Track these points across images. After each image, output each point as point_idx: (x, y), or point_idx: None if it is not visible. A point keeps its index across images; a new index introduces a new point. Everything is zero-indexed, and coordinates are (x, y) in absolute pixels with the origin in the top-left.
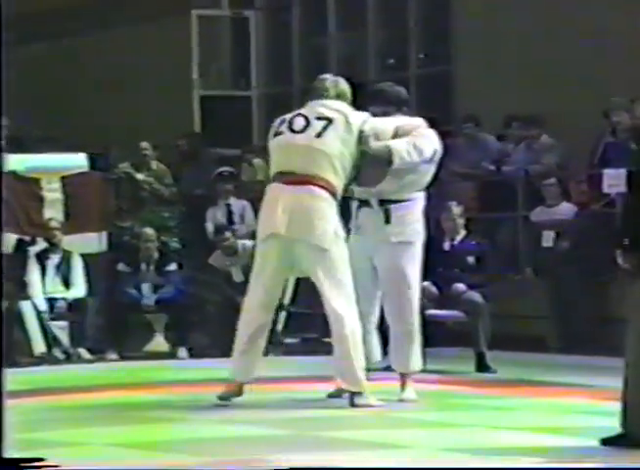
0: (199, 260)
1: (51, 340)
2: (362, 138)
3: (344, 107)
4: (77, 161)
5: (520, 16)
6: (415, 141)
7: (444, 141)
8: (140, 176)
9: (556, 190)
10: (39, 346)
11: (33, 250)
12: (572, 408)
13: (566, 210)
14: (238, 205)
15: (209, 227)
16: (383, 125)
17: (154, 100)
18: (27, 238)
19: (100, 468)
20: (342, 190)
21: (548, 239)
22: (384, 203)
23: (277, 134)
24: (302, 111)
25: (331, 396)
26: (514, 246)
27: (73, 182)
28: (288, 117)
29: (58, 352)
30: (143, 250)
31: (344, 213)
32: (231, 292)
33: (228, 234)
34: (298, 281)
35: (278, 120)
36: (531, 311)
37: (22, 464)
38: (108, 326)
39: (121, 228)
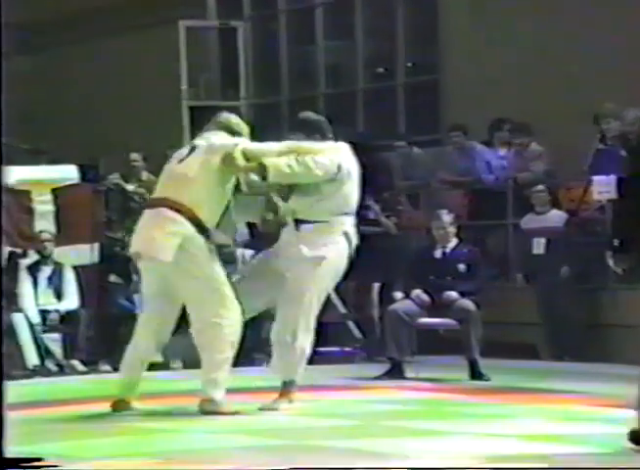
0: None
1: (44, 352)
2: (227, 159)
3: (218, 135)
4: (68, 172)
5: (508, 24)
6: (301, 157)
7: (432, 149)
8: (130, 187)
9: (545, 197)
10: (32, 358)
11: (25, 262)
12: (567, 415)
13: (555, 217)
14: None
15: None
16: (261, 147)
17: (143, 111)
18: (19, 250)
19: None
20: (214, 208)
21: (539, 246)
22: (297, 221)
23: None
24: (192, 142)
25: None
26: (504, 253)
27: (64, 194)
28: (180, 151)
29: (51, 365)
30: (134, 261)
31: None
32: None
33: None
34: None
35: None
36: (523, 318)
37: (22, 464)
38: (100, 337)
39: (112, 239)
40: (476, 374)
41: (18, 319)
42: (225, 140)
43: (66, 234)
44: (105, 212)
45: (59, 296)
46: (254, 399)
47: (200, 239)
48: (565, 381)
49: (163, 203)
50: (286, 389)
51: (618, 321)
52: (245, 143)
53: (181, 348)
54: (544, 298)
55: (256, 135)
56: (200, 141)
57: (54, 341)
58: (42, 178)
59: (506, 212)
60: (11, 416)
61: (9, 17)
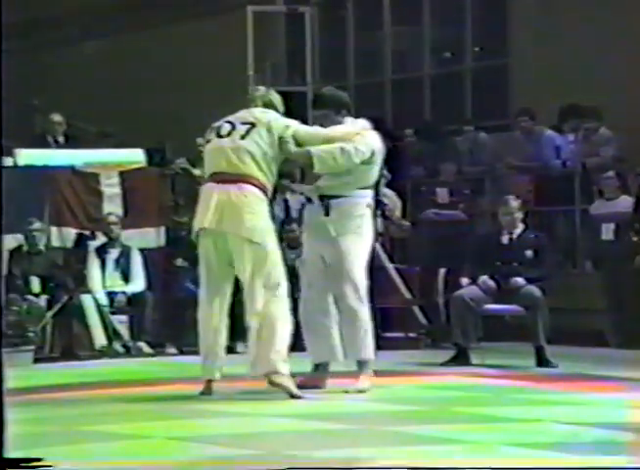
0: None
1: (111, 333)
2: (282, 144)
3: (268, 113)
4: (135, 156)
5: (576, 9)
6: (343, 146)
7: (500, 135)
8: (197, 172)
9: (614, 183)
10: (100, 339)
11: (93, 244)
12: (634, 403)
13: (625, 202)
14: (295, 201)
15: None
16: (310, 132)
17: (209, 96)
18: (87, 232)
19: (100, 468)
20: (272, 188)
21: (608, 232)
22: (324, 198)
23: (208, 142)
24: (229, 117)
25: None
26: (572, 239)
27: (131, 177)
28: (216, 124)
29: (118, 346)
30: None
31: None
32: (290, 286)
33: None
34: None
35: (208, 130)
36: (590, 305)
37: (23, 464)
38: (166, 320)
39: (179, 223)
40: (542, 361)
41: (86, 300)
42: (278, 120)
43: (132, 217)
44: (171, 196)
45: (126, 278)
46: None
47: (270, 217)
48: (632, 369)
49: (239, 179)
50: (363, 369)
51: None
52: (295, 126)
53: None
54: (612, 284)
55: None
56: (252, 116)
57: (121, 323)
58: (110, 161)
59: (574, 198)
60: (79, 396)
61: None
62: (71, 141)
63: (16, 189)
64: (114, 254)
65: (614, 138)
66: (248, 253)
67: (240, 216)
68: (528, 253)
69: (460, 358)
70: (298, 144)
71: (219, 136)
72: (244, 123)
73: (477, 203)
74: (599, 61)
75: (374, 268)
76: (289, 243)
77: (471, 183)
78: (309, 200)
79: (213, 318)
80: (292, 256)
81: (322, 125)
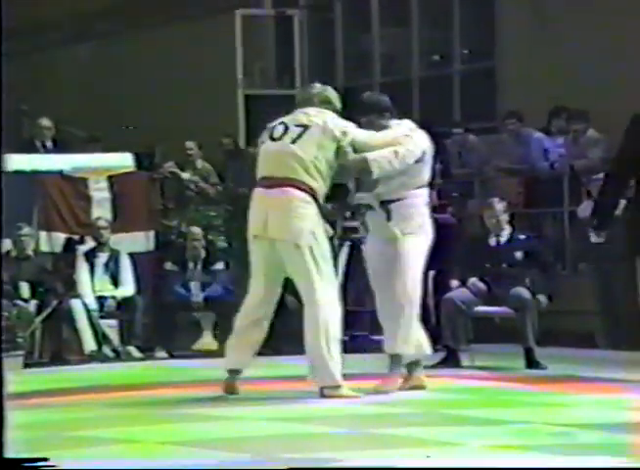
0: (245, 259)
1: (101, 338)
2: (340, 153)
3: (325, 114)
4: (123, 160)
5: (564, 11)
6: (397, 149)
7: (489, 137)
8: (186, 175)
9: None
10: (89, 344)
11: (82, 249)
12: (625, 404)
13: None
14: None
15: None
16: (367, 137)
17: (198, 99)
18: (76, 237)
19: (102, 468)
20: (326, 189)
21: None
22: (384, 203)
23: (262, 143)
24: (284, 119)
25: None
26: (561, 241)
27: (120, 182)
28: (270, 125)
29: (107, 350)
30: (190, 248)
31: None
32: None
33: None
34: (347, 278)
35: (264, 131)
36: (580, 307)
37: (24, 464)
38: (156, 324)
39: (168, 227)
40: (532, 363)
41: (75, 305)
42: (335, 122)
43: (122, 221)
44: (160, 200)
45: (115, 282)
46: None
47: (320, 221)
48: (622, 370)
49: (287, 183)
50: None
51: None
52: (352, 131)
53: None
54: (601, 286)
55: None
56: (306, 118)
57: (111, 327)
58: (98, 166)
59: (562, 200)
60: (66, 401)
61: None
62: (60, 146)
63: (4, 194)
64: (103, 258)
65: (602, 140)
66: (298, 256)
67: (285, 221)
68: (518, 254)
69: (450, 360)
70: (354, 149)
71: (272, 139)
72: (297, 126)
73: (466, 205)
74: (586, 63)
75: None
76: None
77: (460, 186)
78: (370, 207)
79: (257, 323)
80: None
81: (368, 130)
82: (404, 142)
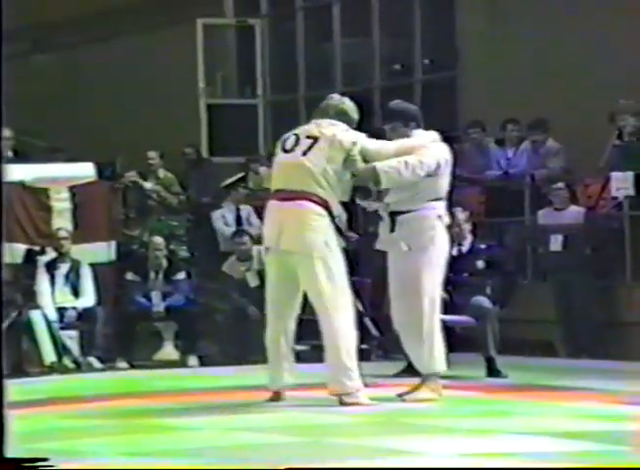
0: (207, 268)
1: (61, 349)
2: (348, 162)
3: (336, 126)
4: (85, 170)
5: (524, 21)
6: (408, 159)
7: (450, 147)
8: (148, 185)
9: (565, 194)
10: (49, 355)
11: (42, 260)
12: (584, 413)
13: (574, 213)
14: (245, 210)
15: (224, 229)
16: (377, 147)
17: (160, 109)
18: (37, 248)
19: (103, 468)
20: (338, 201)
21: (556, 243)
22: (393, 214)
23: (276, 154)
24: (297, 130)
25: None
26: (522, 250)
27: (81, 192)
28: (284, 137)
29: (68, 362)
30: (152, 258)
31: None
32: (241, 300)
33: (246, 239)
34: None
35: (278, 142)
36: (540, 316)
37: (24, 464)
38: (117, 335)
39: (130, 237)
40: (493, 372)
41: (35, 316)
42: (345, 134)
43: (83, 232)
44: (122, 210)
45: (76, 293)
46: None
47: (334, 232)
48: (582, 379)
49: (300, 196)
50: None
51: (635, 318)
52: (362, 141)
53: (198, 345)
54: (561, 295)
55: (274, 132)
56: (317, 129)
57: (71, 338)
58: (60, 176)
59: (523, 210)
60: (27, 413)
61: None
62: (21, 156)
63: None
64: (63, 269)
65: (561, 150)
66: (311, 268)
67: (298, 233)
68: (479, 263)
69: (411, 369)
70: (366, 159)
71: (284, 150)
72: (308, 137)
73: None
74: (547, 73)
75: None
76: (239, 256)
77: None
78: (381, 216)
79: (278, 337)
80: (241, 268)
81: (391, 138)
82: (419, 153)
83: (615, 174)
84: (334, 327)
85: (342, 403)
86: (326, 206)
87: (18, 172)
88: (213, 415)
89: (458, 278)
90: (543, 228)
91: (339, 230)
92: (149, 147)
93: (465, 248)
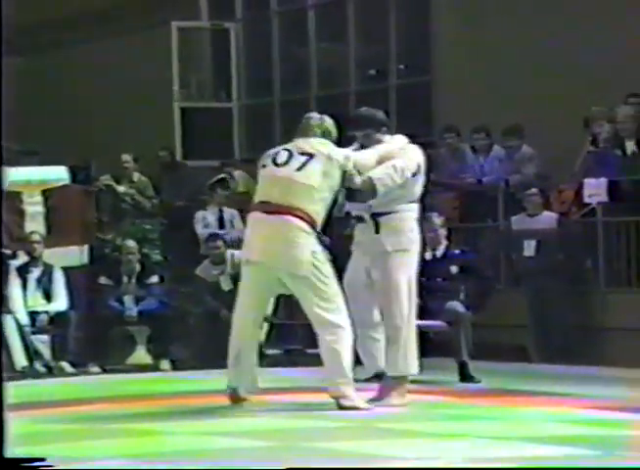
0: (180, 272)
1: (32, 354)
2: (347, 177)
3: (327, 144)
4: (58, 174)
5: (499, 28)
6: (395, 163)
7: (425, 152)
8: (121, 188)
9: (538, 200)
10: (21, 360)
11: (14, 263)
12: (557, 417)
13: (547, 219)
14: (228, 212)
15: (201, 232)
16: (365, 158)
17: (134, 112)
18: (8, 252)
19: (102, 468)
20: (323, 218)
21: (529, 248)
22: (375, 216)
23: (263, 166)
24: (287, 146)
25: None
26: (495, 255)
27: (55, 195)
28: (272, 151)
29: (39, 366)
30: (125, 262)
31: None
32: (214, 303)
33: (219, 243)
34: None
35: (265, 154)
36: (513, 321)
37: (23, 464)
38: (90, 339)
39: (103, 241)
40: (465, 376)
41: (6, 321)
42: (337, 152)
43: (56, 236)
44: (95, 214)
45: (48, 297)
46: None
47: (320, 247)
48: (554, 383)
49: (286, 210)
50: (397, 385)
51: (608, 324)
52: (352, 155)
53: (171, 349)
54: (534, 300)
55: (249, 136)
56: (310, 147)
57: (43, 342)
58: (33, 180)
59: (497, 215)
60: None
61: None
62: None
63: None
64: (35, 273)
65: (535, 156)
66: (298, 285)
67: (285, 250)
68: (453, 268)
69: (383, 374)
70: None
71: (275, 164)
72: (302, 154)
73: None
74: (521, 78)
75: None
76: (213, 259)
77: None
78: (360, 219)
79: (248, 342)
80: (214, 271)
81: (364, 145)
82: (399, 156)
83: (588, 181)
84: (332, 338)
85: (341, 407)
86: (312, 222)
87: None
88: (187, 419)
89: (432, 283)
90: (517, 234)
91: (324, 245)
92: (123, 150)
93: (439, 253)
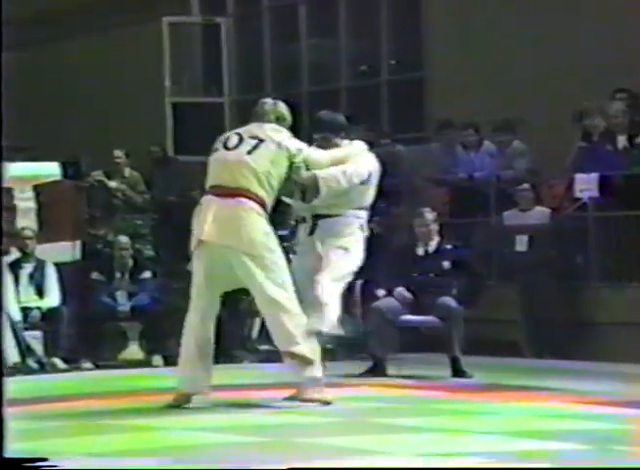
0: (173, 268)
1: (25, 349)
2: (294, 168)
3: (281, 132)
4: (50, 169)
5: (491, 22)
6: (346, 168)
7: (417, 147)
8: (113, 184)
9: (529, 195)
10: (13, 356)
11: (6, 259)
12: (549, 412)
13: (539, 214)
14: None
15: None
16: (318, 156)
17: (126, 107)
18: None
19: (103, 467)
20: (271, 205)
21: (521, 243)
22: (316, 217)
23: (216, 151)
24: (239, 130)
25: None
26: (487, 250)
27: (46, 191)
28: (225, 135)
29: (32, 362)
30: (117, 258)
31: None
32: None
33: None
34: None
35: (217, 139)
36: (505, 316)
37: (24, 464)
38: (82, 335)
39: (95, 237)
40: (457, 372)
41: None
42: (291, 141)
43: (47, 231)
44: (87, 210)
45: (40, 293)
46: (239, 396)
47: (271, 230)
48: (546, 378)
49: (238, 193)
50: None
51: (600, 319)
52: (305, 150)
53: (163, 344)
54: (526, 295)
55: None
56: (262, 132)
57: (35, 338)
58: (24, 175)
59: (489, 210)
60: None
61: None
62: None
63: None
64: (28, 269)
65: (527, 151)
66: (250, 265)
67: (238, 231)
68: (445, 264)
69: (376, 369)
70: (307, 167)
71: (226, 148)
72: (252, 138)
73: (393, 215)
74: (512, 73)
75: None
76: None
77: (387, 196)
78: (304, 219)
79: (200, 331)
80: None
81: (321, 146)
82: (353, 162)
83: (579, 176)
84: (281, 322)
85: (300, 400)
86: (264, 205)
87: None
88: (179, 415)
89: (424, 278)
90: (509, 229)
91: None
92: (114, 146)
93: (431, 248)
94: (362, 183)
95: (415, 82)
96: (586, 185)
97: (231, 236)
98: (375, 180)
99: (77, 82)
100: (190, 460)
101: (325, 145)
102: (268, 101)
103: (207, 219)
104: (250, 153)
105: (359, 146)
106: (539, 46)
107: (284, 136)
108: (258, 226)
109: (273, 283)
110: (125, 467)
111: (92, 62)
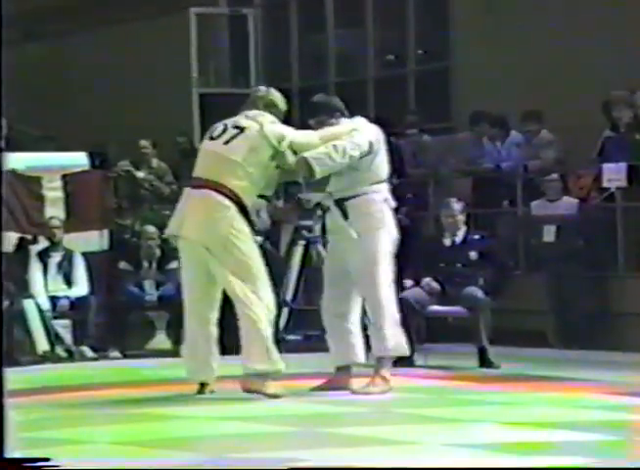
0: None
1: (53, 338)
2: (278, 156)
3: (264, 117)
4: (78, 159)
5: (518, 11)
6: (336, 143)
7: (444, 137)
8: (140, 174)
9: (558, 185)
10: (42, 344)
11: (35, 248)
12: (577, 403)
13: (567, 204)
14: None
15: None
16: (306, 138)
17: (153, 98)
18: (29, 237)
19: (104, 467)
20: (254, 192)
21: (549, 233)
22: (339, 201)
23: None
24: (227, 120)
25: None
26: (514, 241)
27: (74, 181)
28: (214, 125)
29: (60, 351)
30: (144, 248)
31: None
32: None
33: None
34: (300, 277)
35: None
36: (533, 306)
37: (25, 464)
38: (110, 324)
39: (122, 226)
40: (485, 362)
41: (28, 305)
42: (272, 127)
43: (75, 221)
44: (114, 199)
45: (68, 282)
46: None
47: (243, 223)
48: (574, 369)
49: (209, 185)
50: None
51: (627, 309)
52: (290, 135)
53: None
54: (554, 285)
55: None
56: (245, 121)
57: (64, 327)
58: (52, 165)
59: (516, 200)
60: (20, 402)
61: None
62: (12, 144)
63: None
64: (56, 258)
65: (555, 141)
66: (215, 261)
67: (200, 224)
68: (472, 254)
69: (404, 360)
70: (296, 152)
71: (211, 138)
72: (235, 127)
73: (420, 206)
74: (539, 63)
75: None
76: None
77: (414, 186)
78: (327, 208)
79: (198, 322)
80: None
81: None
82: (349, 136)
83: (607, 166)
84: (248, 317)
85: (247, 390)
86: (234, 197)
87: (10, 161)
88: (206, 404)
89: (451, 269)
90: (537, 219)
91: (249, 221)
92: (141, 136)
93: (458, 238)
94: (367, 154)
95: (442, 72)
96: (614, 175)
97: (195, 230)
98: (382, 150)
99: (105, 73)
100: (219, 450)
101: (321, 128)
102: (260, 89)
103: (176, 213)
104: (227, 142)
105: (358, 121)
106: (569, 36)
107: (265, 121)
108: (223, 219)
109: (239, 279)
110: (152, 457)
111: (120, 52)
